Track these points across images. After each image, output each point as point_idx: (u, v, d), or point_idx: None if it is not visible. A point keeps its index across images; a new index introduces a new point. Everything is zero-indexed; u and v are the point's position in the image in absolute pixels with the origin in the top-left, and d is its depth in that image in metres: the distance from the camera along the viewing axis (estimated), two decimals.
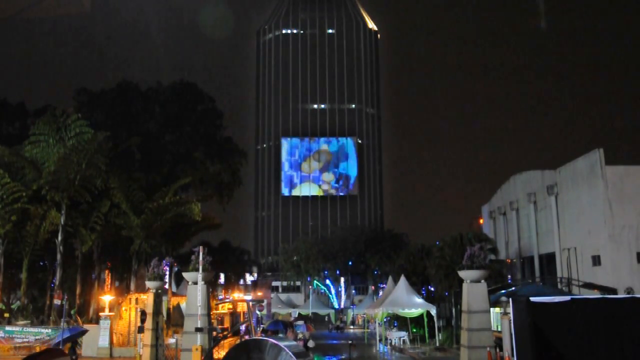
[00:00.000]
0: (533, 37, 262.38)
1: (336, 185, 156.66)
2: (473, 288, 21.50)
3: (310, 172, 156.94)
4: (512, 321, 19.48)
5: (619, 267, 34.62)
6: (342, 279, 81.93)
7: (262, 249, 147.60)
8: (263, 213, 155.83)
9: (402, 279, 37.95)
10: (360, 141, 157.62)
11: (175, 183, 42.45)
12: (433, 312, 36.42)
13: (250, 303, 34.14)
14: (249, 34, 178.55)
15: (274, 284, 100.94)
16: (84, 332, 26.29)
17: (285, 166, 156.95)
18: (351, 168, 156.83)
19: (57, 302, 33.67)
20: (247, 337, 26.31)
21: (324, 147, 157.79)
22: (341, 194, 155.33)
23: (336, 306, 76.91)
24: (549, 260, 43.13)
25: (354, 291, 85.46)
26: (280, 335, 33.11)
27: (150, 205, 38.86)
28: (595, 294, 27.64)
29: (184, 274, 25.29)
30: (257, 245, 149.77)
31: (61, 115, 37.85)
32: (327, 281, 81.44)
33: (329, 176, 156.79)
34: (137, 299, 31.93)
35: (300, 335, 29.79)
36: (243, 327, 30.48)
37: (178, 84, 53.12)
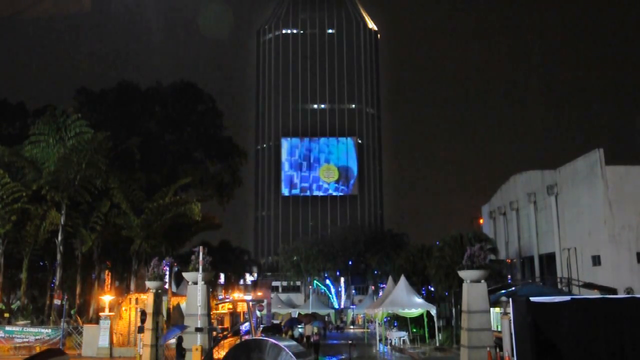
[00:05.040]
0: (533, 36, 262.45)
1: (336, 185, 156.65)
2: (473, 288, 21.49)
3: (310, 171, 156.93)
4: (512, 321, 19.49)
5: (619, 267, 34.62)
6: (342, 279, 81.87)
7: (262, 249, 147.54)
8: (263, 213, 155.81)
9: (402, 279, 37.91)
10: (360, 141, 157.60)
11: (175, 183, 42.46)
12: (433, 312, 36.39)
13: (250, 303, 34.11)
14: (249, 34, 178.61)
15: (274, 284, 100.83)
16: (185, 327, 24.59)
17: (285, 166, 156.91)
18: (351, 168, 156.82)
19: (57, 302, 33.69)
20: (247, 337, 26.32)
21: (324, 147, 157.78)
22: (341, 194, 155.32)
23: (336, 306, 76.78)
24: (549, 260, 43.11)
25: (354, 291, 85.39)
26: (300, 328, 34.44)
27: (150, 205, 38.87)
28: (595, 294, 27.63)
29: (184, 274, 25.29)
30: (257, 245, 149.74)
31: (61, 115, 37.86)
32: (327, 281, 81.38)
33: (328, 176, 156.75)
34: (137, 299, 31.90)
35: (315, 330, 32.01)
36: (243, 327, 30.45)
37: (178, 83, 53.13)
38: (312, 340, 31.35)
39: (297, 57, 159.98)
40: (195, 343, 21.89)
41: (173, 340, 28.04)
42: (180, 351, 21.56)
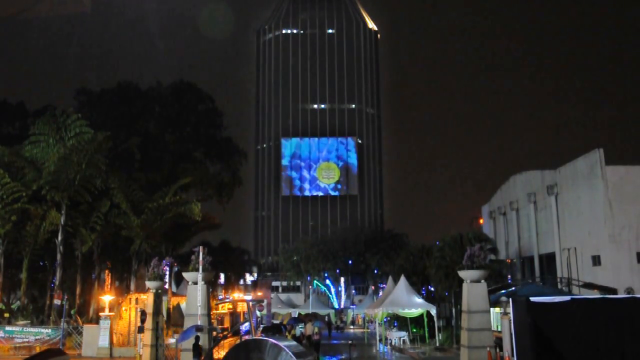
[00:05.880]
0: (533, 36, 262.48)
1: (336, 185, 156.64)
2: (473, 288, 21.48)
3: (310, 172, 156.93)
4: (512, 321, 19.49)
5: (619, 267, 34.61)
6: (342, 279, 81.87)
7: (262, 249, 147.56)
8: (263, 213, 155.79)
9: (402, 279, 37.91)
10: (360, 141, 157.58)
11: (175, 183, 42.46)
12: (433, 312, 36.38)
13: (250, 303, 34.08)
14: (249, 34, 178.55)
15: (274, 284, 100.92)
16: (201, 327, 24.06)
17: (285, 166, 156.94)
18: (351, 168, 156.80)
19: (57, 302, 33.68)
20: (247, 337, 26.32)
21: (324, 147, 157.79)
22: (341, 194, 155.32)
23: (336, 306, 76.82)
24: (549, 260, 43.11)
25: (354, 291, 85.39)
26: (301, 327, 34.83)
27: (150, 205, 38.87)
28: (595, 294, 27.63)
29: (184, 274, 25.28)
30: (257, 245, 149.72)
31: (61, 115, 37.87)
32: (327, 281, 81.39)
33: (329, 176, 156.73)
34: (137, 299, 31.89)
35: (316, 330, 32.61)
36: (243, 327, 30.44)
37: (178, 83, 53.17)
38: (313, 339, 31.68)
39: (297, 57, 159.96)
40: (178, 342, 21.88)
41: (173, 340, 28.17)
42: (198, 350, 21.56)
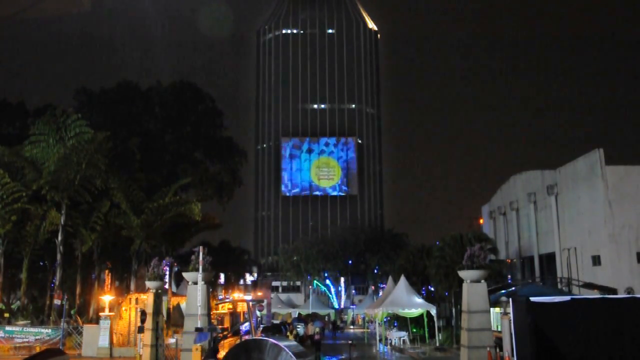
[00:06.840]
0: (533, 36, 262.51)
1: (336, 185, 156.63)
2: (473, 288, 21.49)
3: (310, 172, 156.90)
4: (512, 321, 19.50)
5: (619, 267, 34.61)
6: (342, 279, 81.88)
7: (262, 249, 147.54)
8: (263, 213, 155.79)
9: (402, 279, 37.94)
10: (360, 141, 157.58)
11: (175, 183, 42.47)
12: (433, 312, 36.41)
13: (250, 303, 34.09)
14: (249, 34, 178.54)
15: (274, 284, 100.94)
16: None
17: (286, 166, 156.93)
18: (351, 168, 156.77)
19: (57, 302, 33.69)
20: (247, 337, 26.34)
21: (324, 147, 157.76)
22: (341, 194, 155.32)
23: (336, 306, 76.86)
24: (549, 260, 43.12)
25: (354, 291, 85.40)
26: (300, 326, 36.92)
27: (150, 205, 38.88)
28: (595, 294, 27.64)
29: (184, 274, 25.30)
30: (257, 245, 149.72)
31: (61, 115, 37.86)
32: (327, 281, 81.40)
33: (328, 176, 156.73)
34: (137, 299, 31.90)
35: (317, 330, 33.45)
36: (243, 327, 30.45)
37: (178, 83, 53.13)
38: (314, 339, 31.96)
39: (297, 57, 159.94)
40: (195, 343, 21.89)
41: (173, 340, 28.20)
42: (216, 349, 21.56)
